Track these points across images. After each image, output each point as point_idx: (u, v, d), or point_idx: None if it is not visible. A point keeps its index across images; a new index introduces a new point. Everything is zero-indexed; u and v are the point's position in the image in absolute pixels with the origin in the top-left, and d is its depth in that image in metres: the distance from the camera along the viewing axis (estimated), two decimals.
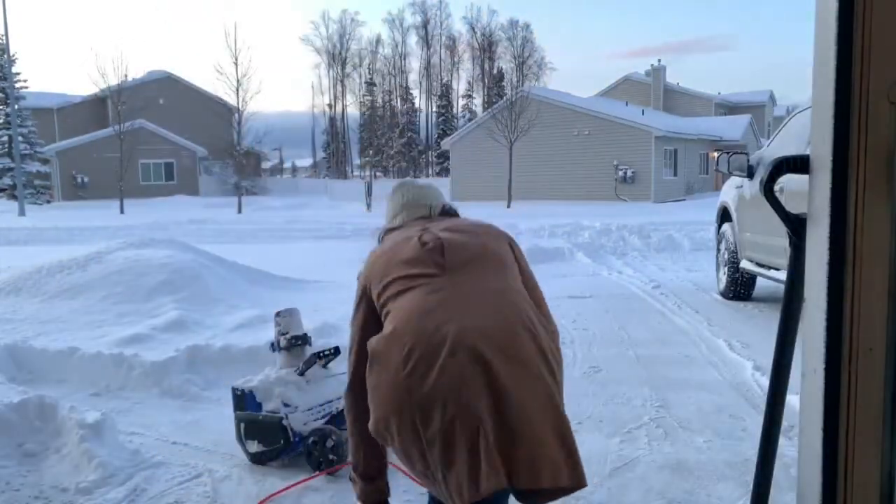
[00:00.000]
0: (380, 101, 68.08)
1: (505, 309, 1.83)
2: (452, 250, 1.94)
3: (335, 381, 3.67)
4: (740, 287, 7.23)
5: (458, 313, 1.78)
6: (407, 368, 1.71)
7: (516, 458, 1.67)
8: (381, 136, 63.85)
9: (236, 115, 31.50)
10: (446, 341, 1.71)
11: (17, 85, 33.83)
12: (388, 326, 1.85)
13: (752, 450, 3.39)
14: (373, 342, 1.85)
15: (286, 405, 3.38)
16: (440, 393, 1.68)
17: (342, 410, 3.45)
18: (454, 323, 1.74)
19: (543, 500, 1.76)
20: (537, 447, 1.69)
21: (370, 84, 67.75)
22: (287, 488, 3.10)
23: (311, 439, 3.30)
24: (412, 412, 1.70)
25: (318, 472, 3.24)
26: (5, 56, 32.26)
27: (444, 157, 53.37)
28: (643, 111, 32.67)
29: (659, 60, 46.10)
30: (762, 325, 6.12)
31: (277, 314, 3.70)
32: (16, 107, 30.08)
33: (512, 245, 2.13)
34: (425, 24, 67.74)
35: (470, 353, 1.70)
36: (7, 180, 33.53)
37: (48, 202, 34.07)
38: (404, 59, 68.82)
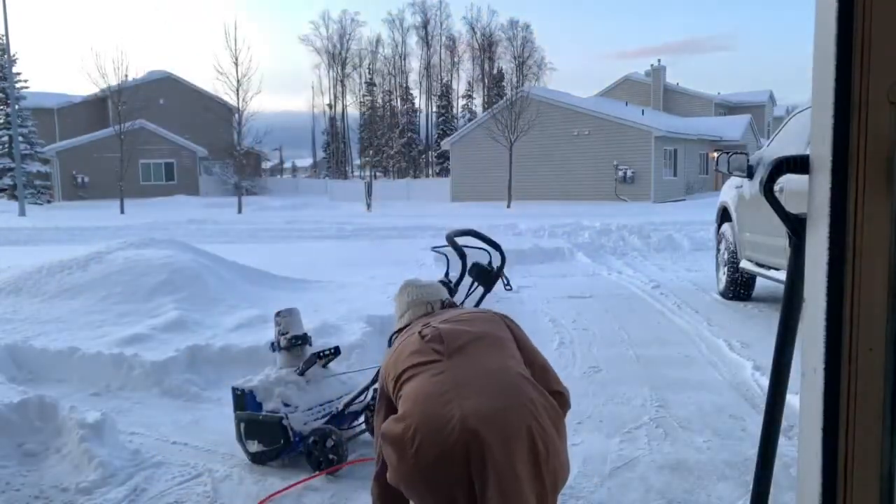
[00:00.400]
0: (380, 101, 68.05)
1: (505, 388, 1.96)
2: (450, 337, 2.13)
3: (335, 381, 3.68)
4: (740, 287, 7.23)
5: (458, 394, 1.92)
6: (413, 447, 1.87)
7: None
8: (381, 136, 63.82)
9: (236, 115, 31.50)
10: (449, 422, 1.85)
11: (18, 85, 33.82)
12: (399, 410, 2.02)
13: (752, 450, 3.39)
14: (385, 425, 2.01)
15: (286, 405, 3.38)
16: (442, 469, 1.84)
17: (342, 410, 3.47)
18: (455, 404, 1.89)
19: None
20: None
21: (370, 84, 67.73)
22: (287, 488, 3.10)
23: (311, 439, 3.30)
24: (420, 484, 1.89)
25: (317, 473, 3.25)
26: (5, 56, 32.26)
27: (444, 157, 53.37)
28: (643, 111, 32.66)
29: (659, 60, 46.25)
30: (762, 325, 6.12)
31: (277, 314, 3.70)
32: (16, 107, 30.07)
33: (508, 324, 2.33)
34: (425, 25, 67.74)
35: (470, 433, 1.82)
36: (7, 180, 33.54)
37: (48, 202, 34.08)
38: (404, 59, 68.85)
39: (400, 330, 2.49)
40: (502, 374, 2.01)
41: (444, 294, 2.61)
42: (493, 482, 1.80)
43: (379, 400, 2.31)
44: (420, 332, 2.21)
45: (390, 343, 2.50)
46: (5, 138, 33.76)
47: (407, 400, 1.99)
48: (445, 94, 65.81)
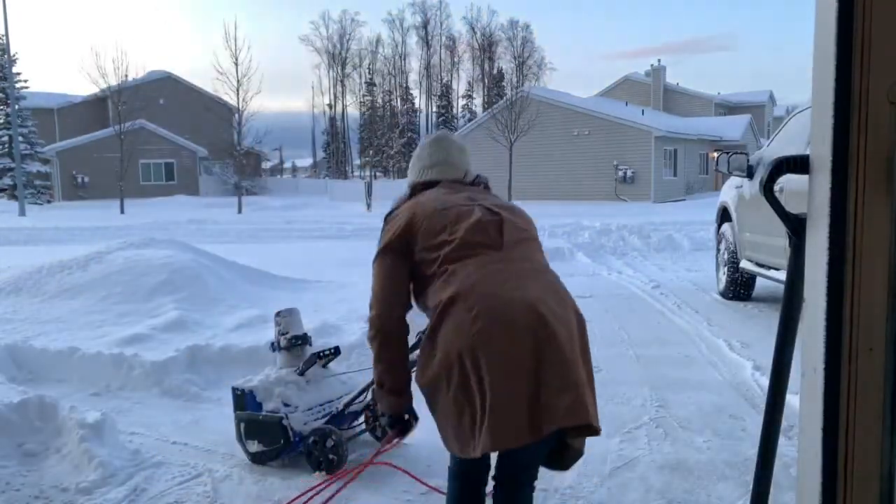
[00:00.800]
0: (380, 101, 68.09)
1: (551, 284, 2.12)
2: (508, 229, 2.15)
3: (335, 381, 3.68)
4: (740, 287, 7.23)
5: (520, 285, 2.01)
6: (476, 327, 1.91)
7: (565, 403, 1.91)
8: (381, 136, 63.83)
9: (236, 115, 31.49)
10: (512, 308, 1.94)
11: (18, 85, 33.82)
12: (448, 288, 2.02)
13: (752, 450, 3.39)
14: (440, 298, 2.02)
15: (286, 405, 3.38)
16: (507, 350, 1.90)
17: (342, 410, 3.47)
18: (520, 292, 1.98)
19: (579, 434, 2.02)
20: (582, 393, 1.95)
21: (370, 84, 67.77)
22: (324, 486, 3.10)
23: (311, 439, 3.30)
24: (479, 361, 1.90)
25: (328, 479, 3.24)
26: (5, 56, 32.26)
27: None
28: (643, 111, 32.66)
29: (659, 60, 46.25)
30: (762, 325, 6.12)
31: (277, 314, 3.70)
32: (16, 107, 30.06)
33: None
34: (425, 25, 67.79)
35: (537, 319, 1.93)
36: (7, 180, 33.54)
37: (48, 202, 34.07)
38: (404, 59, 68.91)
39: (425, 186, 2.35)
40: (553, 276, 2.16)
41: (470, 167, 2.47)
42: (556, 361, 1.92)
43: (389, 243, 2.18)
44: (478, 209, 2.17)
45: (411, 192, 2.36)
46: (5, 138, 33.76)
47: (464, 280, 2.01)
48: (445, 94, 65.85)
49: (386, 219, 2.31)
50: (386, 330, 2.18)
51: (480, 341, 1.90)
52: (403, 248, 2.16)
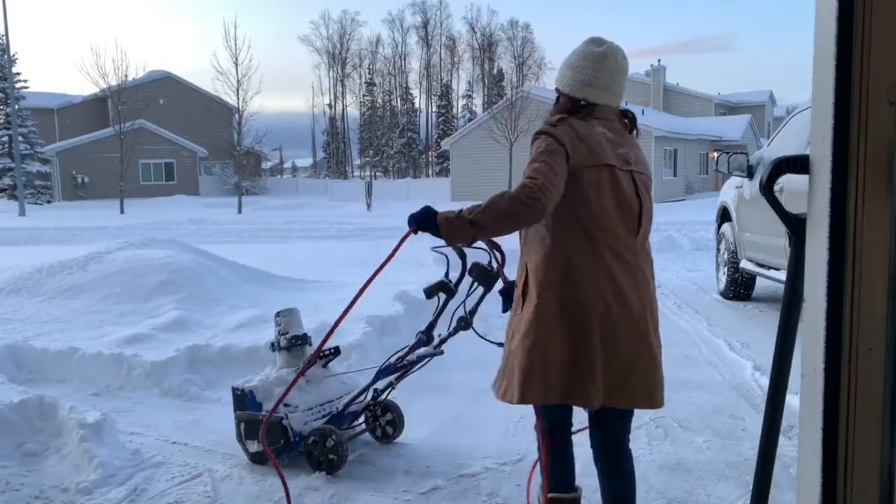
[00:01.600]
0: (380, 101, 68.04)
1: (652, 291, 2.26)
2: (645, 218, 2.22)
3: (335, 381, 3.68)
4: (740, 287, 7.23)
5: (633, 287, 2.15)
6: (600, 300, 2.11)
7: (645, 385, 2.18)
8: (381, 136, 63.81)
9: (236, 115, 31.51)
10: (632, 311, 2.14)
11: (18, 85, 33.81)
12: (583, 258, 2.12)
13: (752, 450, 3.39)
14: (575, 262, 2.12)
15: (286, 405, 3.38)
16: (617, 328, 2.12)
17: (342, 410, 3.46)
18: (634, 295, 2.15)
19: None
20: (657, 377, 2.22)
21: (370, 84, 67.72)
22: None
23: (311, 439, 3.30)
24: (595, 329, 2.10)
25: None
26: (5, 56, 32.25)
27: (444, 157, 53.33)
28: (643, 111, 32.64)
29: (659, 60, 46.11)
30: (762, 325, 6.12)
31: (277, 314, 3.70)
32: (16, 107, 30.06)
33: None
34: (425, 25, 67.71)
35: (645, 320, 2.17)
36: (7, 180, 33.53)
37: (48, 202, 34.06)
38: (404, 59, 68.83)
39: (578, 105, 2.21)
40: (648, 279, 2.24)
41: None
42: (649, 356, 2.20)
43: (556, 149, 2.08)
44: (626, 175, 2.18)
45: (572, 107, 2.22)
46: (5, 138, 33.75)
47: (590, 265, 2.12)
48: (445, 94, 65.79)
49: None
50: (538, 204, 1.99)
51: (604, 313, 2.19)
52: (568, 161, 2.20)
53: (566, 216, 2.12)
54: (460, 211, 2.11)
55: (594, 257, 2.11)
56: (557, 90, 2.30)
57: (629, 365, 2.13)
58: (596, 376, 2.10)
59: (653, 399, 2.19)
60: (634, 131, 2.35)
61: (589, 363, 2.10)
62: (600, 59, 2.21)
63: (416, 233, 2.23)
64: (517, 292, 2.28)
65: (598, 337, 2.10)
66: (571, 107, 2.23)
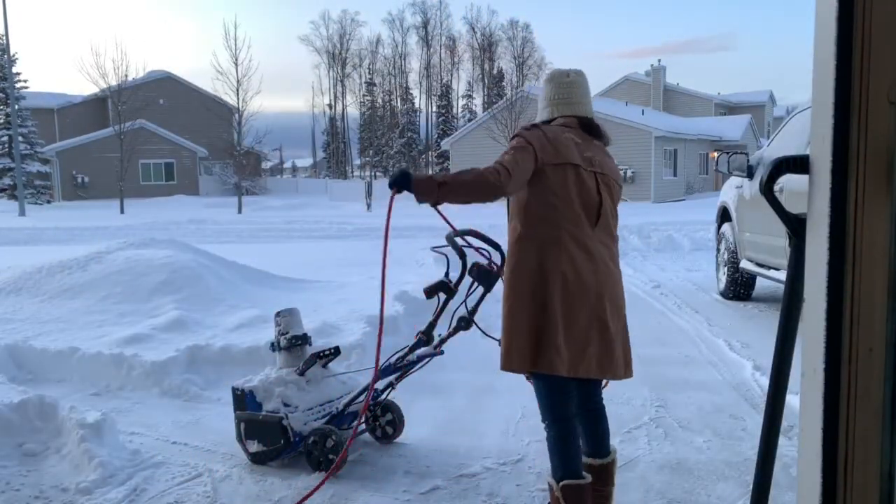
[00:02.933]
0: (380, 101, 68.01)
1: (611, 276, 2.51)
2: (604, 215, 2.52)
3: (335, 381, 3.68)
4: (740, 287, 7.23)
5: (591, 270, 2.43)
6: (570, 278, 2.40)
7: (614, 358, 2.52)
8: (381, 136, 63.77)
9: (236, 115, 31.50)
10: (588, 289, 2.42)
11: (18, 85, 33.80)
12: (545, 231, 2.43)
13: (752, 450, 3.39)
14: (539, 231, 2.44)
15: (286, 405, 3.38)
16: (589, 304, 2.42)
17: (342, 410, 3.46)
18: (591, 277, 2.43)
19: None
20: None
21: (370, 84, 67.69)
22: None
23: (311, 439, 3.30)
24: (574, 292, 2.40)
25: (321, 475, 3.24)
26: (5, 56, 32.24)
27: (444, 157, 53.31)
28: (643, 111, 32.65)
29: (659, 60, 46.12)
30: (762, 325, 6.12)
31: (277, 314, 3.70)
32: (16, 107, 30.05)
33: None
34: (425, 25, 67.67)
35: (601, 298, 2.44)
36: (7, 180, 33.52)
37: (48, 202, 34.06)
38: (404, 59, 68.79)
39: (547, 122, 2.62)
40: (609, 262, 2.53)
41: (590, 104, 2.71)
42: (612, 331, 2.49)
43: (524, 147, 2.42)
44: (590, 176, 2.49)
45: (541, 122, 2.61)
46: (5, 138, 33.74)
47: (557, 247, 2.42)
48: (445, 94, 65.74)
49: None
50: (497, 183, 2.32)
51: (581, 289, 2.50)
52: (536, 159, 2.48)
53: (536, 205, 2.45)
54: (433, 174, 2.48)
55: (557, 241, 2.41)
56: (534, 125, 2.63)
57: (586, 337, 2.41)
58: (560, 346, 2.38)
59: (615, 371, 2.50)
60: (604, 140, 2.70)
61: (551, 334, 2.38)
62: (559, 80, 2.66)
63: (399, 192, 2.46)
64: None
65: (559, 311, 2.38)
66: (543, 121, 2.66)
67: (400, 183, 2.42)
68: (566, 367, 2.39)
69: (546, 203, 2.44)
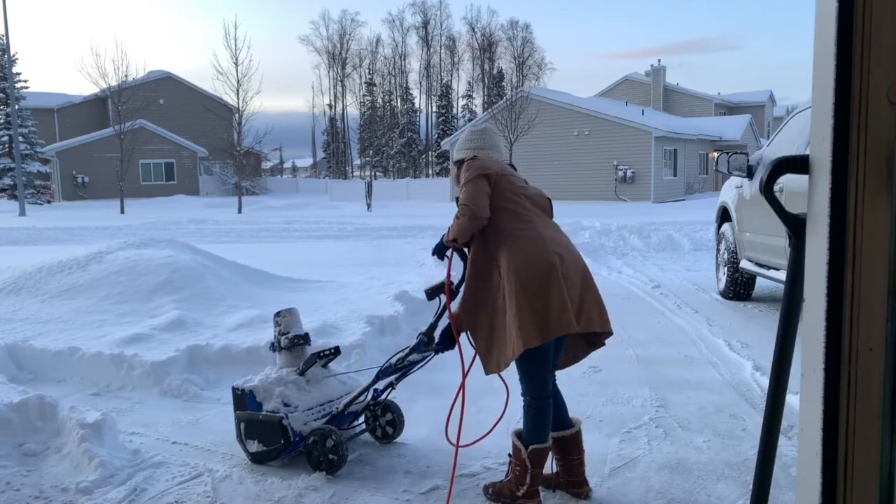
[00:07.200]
0: (380, 101, 68.02)
1: (569, 245, 2.98)
2: (551, 206, 3.11)
3: (335, 381, 3.68)
4: (740, 287, 7.23)
5: (561, 245, 2.90)
6: (554, 260, 2.82)
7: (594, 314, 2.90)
8: (381, 136, 63.77)
9: (236, 115, 31.46)
10: (560, 260, 2.83)
11: (18, 85, 33.81)
12: (528, 227, 2.89)
13: (752, 450, 3.39)
14: (522, 233, 2.88)
15: (286, 405, 3.38)
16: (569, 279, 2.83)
17: (342, 410, 3.47)
18: (562, 251, 2.87)
19: (599, 339, 3.05)
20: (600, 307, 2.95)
21: (370, 84, 67.70)
22: None
23: (311, 439, 3.30)
24: (559, 275, 2.80)
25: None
26: (5, 56, 32.23)
27: (444, 157, 53.36)
28: (643, 111, 32.64)
29: (659, 60, 46.27)
30: (762, 325, 6.12)
31: (277, 314, 3.70)
32: (16, 107, 30.04)
33: None
34: (425, 25, 67.69)
35: (574, 266, 2.88)
36: (7, 180, 33.52)
37: (48, 202, 34.05)
38: (404, 59, 68.80)
39: (474, 157, 3.11)
40: (567, 238, 3.03)
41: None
42: (589, 292, 2.91)
43: (478, 176, 2.93)
44: (532, 188, 3.10)
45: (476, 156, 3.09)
46: (5, 138, 33.74)
47: (533, 233, 2.88)
48: (445, 94, 65.76)
49: None
50: (476, 212, 2.87)
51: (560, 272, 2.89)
52: (490, 183, 2.99)
53: (504, 210, 2.92)
54: (444, 236, 3.09)
55: (535, 230, 2.88)
56: (461, 160, 3.14)
57: (582, 299, 2.83)
58: (569, 308, 2.75)
59: (603, 324, 2.89)
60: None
61: (561, 301, 2.74)
62: (484, 132, 3.22)
63: (441, 259, 3.21)
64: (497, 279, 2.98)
65: (560, 280, 2.76)
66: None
67: (441, 249, 3.17)
68: (576, 325, 2.78)
69: (512, 204, 2.96)
